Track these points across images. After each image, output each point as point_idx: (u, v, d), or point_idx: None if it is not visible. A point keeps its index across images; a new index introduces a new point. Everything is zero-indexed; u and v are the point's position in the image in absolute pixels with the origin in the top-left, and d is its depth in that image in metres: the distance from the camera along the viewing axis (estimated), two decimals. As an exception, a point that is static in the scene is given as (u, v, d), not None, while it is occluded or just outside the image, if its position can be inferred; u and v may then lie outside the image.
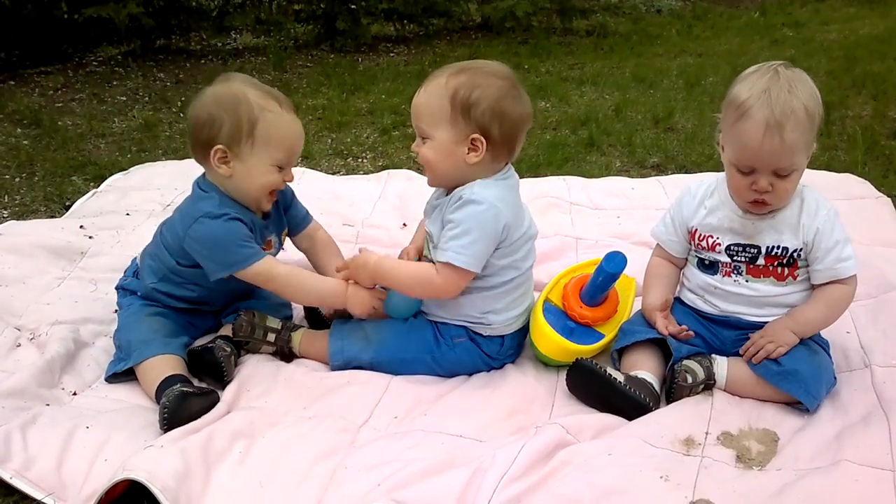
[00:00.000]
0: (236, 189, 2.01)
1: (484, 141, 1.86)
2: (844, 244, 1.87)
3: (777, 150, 1.76)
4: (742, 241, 1.92)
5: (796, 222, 1.87)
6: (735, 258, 1.93)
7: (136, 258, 2.22)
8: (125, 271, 2.22)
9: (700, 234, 1.98)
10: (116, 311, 2.18)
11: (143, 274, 2.12)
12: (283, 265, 2.03)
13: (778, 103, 1.75)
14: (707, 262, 1.98)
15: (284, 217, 2.21)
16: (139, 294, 2.12)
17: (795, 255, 1.88)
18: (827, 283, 1.89)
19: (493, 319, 1.98)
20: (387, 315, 2.05)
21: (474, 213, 1.84)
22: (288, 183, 2.07)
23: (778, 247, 1.89)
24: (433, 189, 2.04)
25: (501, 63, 1.96)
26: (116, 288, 2.20)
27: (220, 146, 1.94)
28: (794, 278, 1.91)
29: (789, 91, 1.76)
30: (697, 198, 2.01)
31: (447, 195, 1.96)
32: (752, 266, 1.92)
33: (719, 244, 1.94)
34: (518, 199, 1.97)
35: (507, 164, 1.95)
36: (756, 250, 1.91)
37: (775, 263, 1.90)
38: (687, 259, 2.07)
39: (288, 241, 2.30)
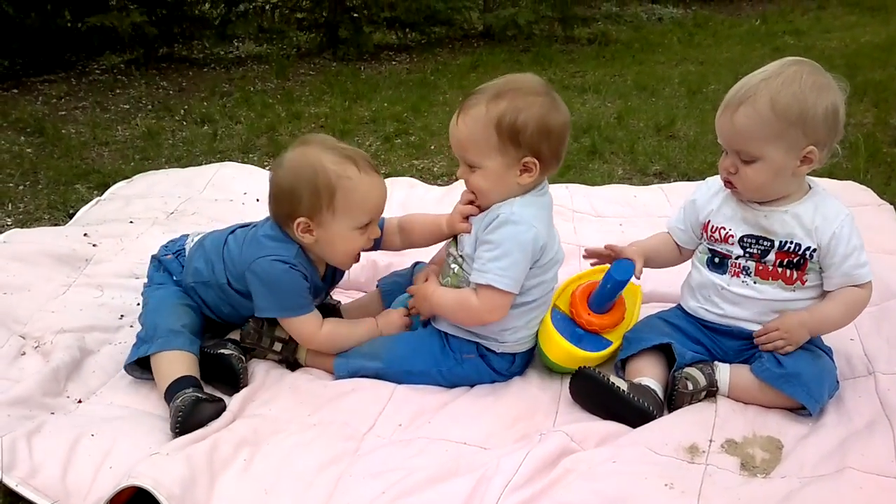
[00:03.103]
0: (321, 253, 2.01)
1: (537, 162, 1.84)
2: (861, 251, 1.87)
3: (726, 130, 1.82)
4: (755, 233, 1.91)
5: (810, 223, 1.86)
6: (748, 250, 1.91)
7: (187, 236, 2.19)
8: (168, 244, 2.19)
9: (713, 226, 1.97)
10: (145, 285, 2.17)
11: (189, 269, 2.10)
12: (323, 325, 2.02)
13: (743, 87, 1.79)
14: (717, 260, 1.97)
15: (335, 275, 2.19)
16: (175, 278, 2.11)
17: (808, 254, 1.86)
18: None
19: (508, 337, 1.98)
20: None
21: (513, 234, 1.83)
22: (371, 240, 2.03)
23: (791, 242, 1.87)
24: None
25: (533, 75, 1.92)
26: (153, 257, 2.18)
27: (301, 219, 1.92)
28: (803, 283, 1.89)
29: (764, 79, 1.78)
30: (714, 188, 2.01)
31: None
32: (761, 265, 1.91)
33: (732, 235, 1.93)
34: (551, 219, 1.96)
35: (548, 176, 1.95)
36: (769, 244, 1.89)
37: (785, 262, 1.88)
38: (693, 252, 2.07)
39: None
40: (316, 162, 1.90)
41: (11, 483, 1.62)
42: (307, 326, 2.00)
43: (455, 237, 2.01)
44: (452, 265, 2.00)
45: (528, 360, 2.08)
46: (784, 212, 1.88)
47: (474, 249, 1.90)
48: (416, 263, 2.25)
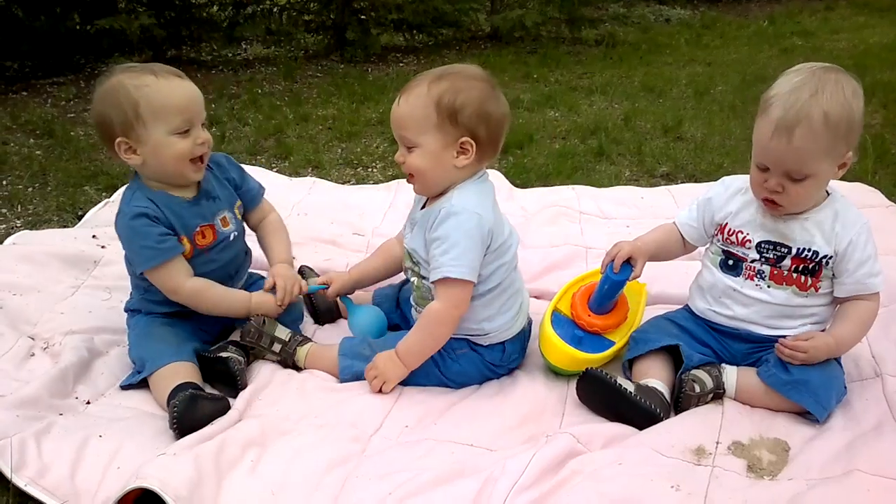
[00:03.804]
0: (156, 172, 2.02)
1: (473, 143, 1.87)
2: (875, 260, 1.86)
3: (783, 153, 1.75)
4: (773, 239, 1.89)
5: (830, 230, 1.85)
6: (764, 255, 1.90)
7: None
8: (130, 293, 2.23)
9: (730, 229, 1.96)
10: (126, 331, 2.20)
11: (132, 289, 2.16)
12: (193, 280, 2.03)
13: (794, 106, 1.72)
14: (731, 263, 1.96)
15: (234, 191, 2.20)
16: (143, 311, 2.13)
17: (824, 261, 1.86)
18: (851, 298, 1.88)
19: (488, 328, 1.98)
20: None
21: (457, 225, 1.85)
22: (204, 145, 2.01)
23: (809, 249, 1.86)
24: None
25: (477, 66, 1.98)
26: (125, 310, 2.21)
27: (119, 139, 1.95)
28: (816, 290, 1.89)
29: (812, 95, 1.73)
30: (731, 189, 1.99)
31: (422, 208, 1.97)
32: (776, 270, 1.90)
33: (750, 240, 1.92)
34: (496, 206, 1.97)
35: (486, 165, 1.96)
36: (786, 250, 1.88)
37: (801, 268, 1.87)
38: (696, 248, 2.06)
39: None
40: (115, 83, 1.95)
41: (20, 483, 1.63)
42: (170, 278, 2.00)
43: (406, 250, 2.02)
44: (412, 279, 2.02)
45: (522, 348, 2.08)
46: (805, 219, 1.87)
47: (428, 253, 1.91)
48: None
